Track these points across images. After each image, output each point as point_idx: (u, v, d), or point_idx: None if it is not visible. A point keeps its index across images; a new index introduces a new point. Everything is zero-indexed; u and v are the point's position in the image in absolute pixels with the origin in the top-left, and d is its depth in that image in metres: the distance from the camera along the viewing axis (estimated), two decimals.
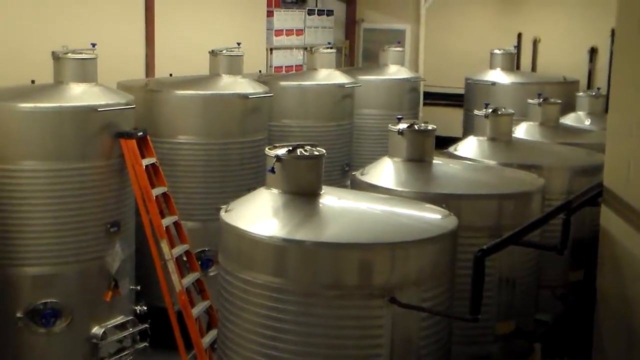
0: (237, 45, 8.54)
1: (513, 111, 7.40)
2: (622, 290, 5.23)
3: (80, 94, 6.62)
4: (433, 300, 4.75)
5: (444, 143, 7.26)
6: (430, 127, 6.12)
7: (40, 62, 7.01)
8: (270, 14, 11.99)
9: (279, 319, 4.59)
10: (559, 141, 7.91)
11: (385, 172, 5.94)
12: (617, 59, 5.66)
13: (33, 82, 6.89)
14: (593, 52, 12.45)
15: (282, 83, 9.45)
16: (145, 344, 7.00)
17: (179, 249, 6.97)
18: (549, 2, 12.99)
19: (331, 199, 5.13)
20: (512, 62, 11.80)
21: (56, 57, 6.73)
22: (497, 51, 11.61)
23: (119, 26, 9.30)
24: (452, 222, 5.03)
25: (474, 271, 4.48)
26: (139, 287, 7.08)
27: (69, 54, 6.73)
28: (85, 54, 6.80)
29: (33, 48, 7.86)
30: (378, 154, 6.46)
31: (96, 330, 6.60)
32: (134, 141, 6.70)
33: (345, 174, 9.35)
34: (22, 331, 6.38)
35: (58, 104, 6.43)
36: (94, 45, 6.84)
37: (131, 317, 6.91)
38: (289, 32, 12.45)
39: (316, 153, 5.13)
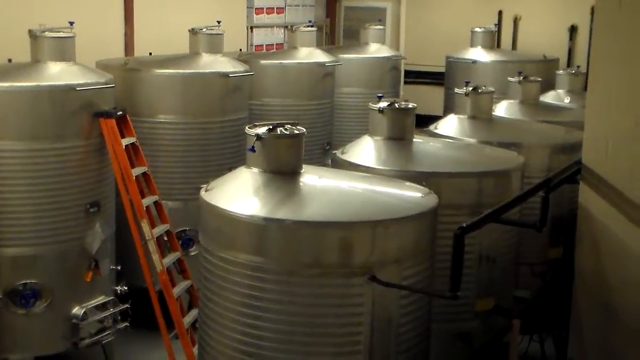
0: (217, 24, 8.47)
1: (493, 89, 7.41)
2: (600, 267, 5.29)
3: (58, 73, 6.56)
4: (413, 278, 4.77)
5: (424, 121, 7.27)
6: (410, 106, 6.11)
7: (17, 40, 6.93)
8: None
9: (259, 297, 4.60)
10: (539, 119, 7.94)
11: (365, 150, 5.94)
12: (596, 37, 5.68)
13: (10, 60, 6.82)
14: (573, 30, 12.48)
15: (263, 62, 9.40)
16: (126, 324, 7.00)
17: (159, 229, 6.96)
18: None
19: (312, 178, 5.13)
20: (493, 40, 11.83)
21: (33, 36, 6.65)
22: (477, 29, 11.62)
23: (97, 4, 9.20)
24: (432, 200, 5.04)
25: (453, 249, 4.50)
26: (119, 267, 7.06)
27: (47, 33, 6.65)
28: (63, 32, 6.73)
29: (10, 26, 7.77)
30: (359, 133, 6.45)
31: (77, 310, 6.58)
32: (114, 120, 6.66)
33: (326, 153, 9.34)
34: (2, 312, 6.36)
35: (36, 83, 6.36)
36: (71, 23, 6.77)
37: (112, 297, 6.90)
38: (270, 10, 12.38)
39: (296, 132, 5.12)
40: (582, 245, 5.61)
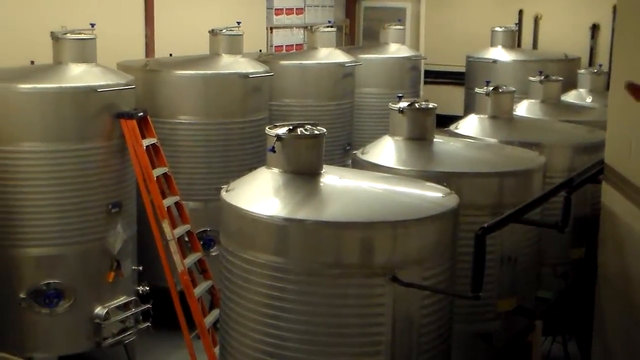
0: (237, 25, 8.49)
1: (514, 89, 7.36)
2: (623, 267, 5.24)
3: (79, 75, 6.60)
4: (434, 279, 4.76)
5: (445, 121, 7.25)
6: (431, 106, 6.09)
7: (40, 42, 6.99)
8: None
9: (280, 298, 4.60)
10: (560, 119, 7.88)
11: (386, 150, 5.93)
12: (618, 36, 5.63)
13: (32, 62, 6.87)
14: (595, 28, 12.38)
15: (283, 62, 9.41)
16: (148, 324, 7.03)
17: (180, 229, 6.98)
18: None
19: (332, 178, 5.13)
20: (513, 40, 11.76)
21: (55, 38, 6.71)
22: (498, 29, 11.56)
23: (118, 6, 9.25)
24: (453, 200, 5.02)
25: (475, 249, 4.48)
26: (141, 268, 7.10)
27: (68, 35, 6.70)
28: (84, 34, 6.78)
29: (32, 28, 7.82)
30: (379, 133, 6.44)
31: (99, 310, 6.62)
32: (134, 121, 6.69)
33: (346, 153, 9.33)
34: (26, 312, 6.41)
35: (57, 85, 6.41)
36: (93, 25, 6.81)
37: (133, 298, 6.93)
38: (289, 10, 12.39)
39: (317, 132, 5.12)
40: (605, 246, 5.56)
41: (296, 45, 12.53)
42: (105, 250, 6.66)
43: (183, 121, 7.85)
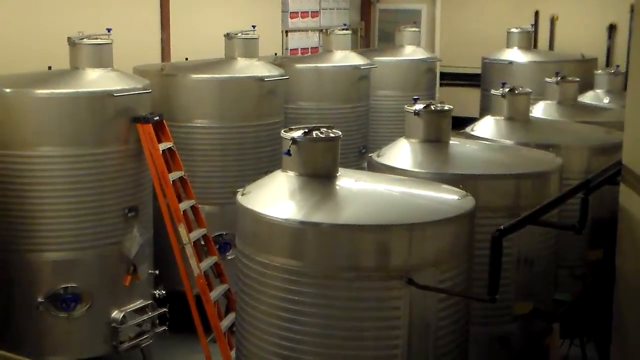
0: (252, 28, 8.51)
1: (530, 90, 7.34)
2: None
3: (96, 80, 6.64)
4: (451, 281, 4.74)
5: (460, 123, 7.23)
6: (446, 108, 6.08)
7: (57, 48, 7.03)
8: None
9: (296, 301, 4.60)
10: (577, 120, 7.84)
11: (401, 153, 5.92)
12: (636, 36, 5.59)
13: (49, 68, 6.92)
14: (612, 29, 12.30)
15: (298, 65, 9.42)
16: (165, 327, 7.05)
17: (196, 233, 6.99)
18: None
19: (348, 181, 5.12)
20: (529, 41, 11.70)
21: (72, 43, 6.74)
22: (513, 30, 11.51)
23: (134, 11, 9.29)
24: (469, 202, 5.00)
25: (491, 251, 4.46)
26: (157, 272, 7.11)
27: (85, 40, 6.73)
28: (100, 39, 6.81)
29: (49, 34, 7.87)
30: (394, 136, 6.43)
31: (116, 314, 6.65)
32: (151, 126, 6.71)
33: (362, 156, 9.32)
34: (43, 315, 6.45)
35: (74, 90, 6.44)
36: (109, 30, 6.85)
37: (150, 301, 6.95)
38: (304, 14, 12.39)
39: (332, 135, 5.12)
40: (623, 247, 5.52)
41: (311, 48, 12.53)
42: (122, 254, 6.68)
43: (199, 125, 7.87)
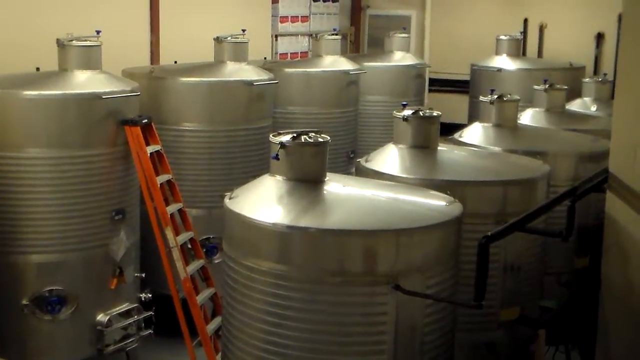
0: (241, 32, 8.51)
1: (519, 97, 7.36)
2: (627, 276, 5.22)
3: (84, 82, 6.62)
4: (437, 287, 4.75)
5: (449, 130, 7.24)
6: (435, 114, 6.09)
7: (45, 49, 7.00)
8: (275, 0, 11.94)
9: (283, 305, 4.59)
10: (565, 127, 7.87)
11: (390, 158, 5.92)
12: (623, 45, 5.63)
13: (38, 69, 6.89)
14: (600, 37, 12.37)
15: (287, 70, 9.42)
16: (150, 331, 7.03)
17: (183, 237, 6.98)
18: None
19: (336, 186, 5.13)
20: (518, 48, 11.75)
21: (61, 45, 6.72)
22: (502, 37, 11.56)
23: (123, 13, 9.28)
24: (456, 208, 5.01)
25: (478, 258, 4.47)
26: (143, 275, 7.09)
27: (74, 42, 6.72)
28: (89, 41, 6.79)
29: (37, 35, 7.85)
30: (383, 141, 6.43)
31: (101, 317, 6.62)
32: (139, 128, 6.70)
33: (350, 161, 9.33)
34: (28, 318, 6.41)
35: (62, 92, 6.42)
36: (98, 32, 6.83)
37: (136, 305, 6.93)
38: (294, 18, 12.41)
39: (320, 140, 5.12)
40: (609, 255, 5.54)
41: (301, 52, 12.54)
42: (108, 257, 6.66)
43: (187, 128, 7.86)
